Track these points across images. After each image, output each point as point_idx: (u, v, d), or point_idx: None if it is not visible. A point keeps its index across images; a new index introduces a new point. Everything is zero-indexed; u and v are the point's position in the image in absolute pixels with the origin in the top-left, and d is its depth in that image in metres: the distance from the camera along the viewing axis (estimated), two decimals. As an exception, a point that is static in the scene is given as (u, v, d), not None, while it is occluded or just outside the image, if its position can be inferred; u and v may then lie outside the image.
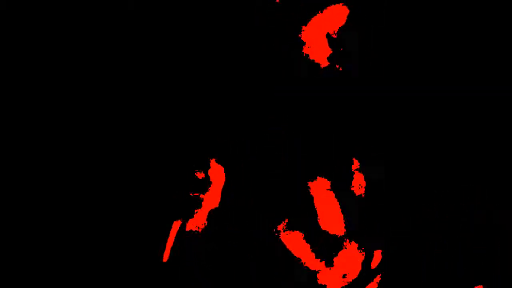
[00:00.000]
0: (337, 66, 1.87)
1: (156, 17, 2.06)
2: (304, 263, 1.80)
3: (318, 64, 1.90)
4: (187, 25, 2.05)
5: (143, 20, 2.06)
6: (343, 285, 1.81)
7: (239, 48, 1.99)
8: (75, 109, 2.06)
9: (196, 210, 1.90)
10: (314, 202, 1.88)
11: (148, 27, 2.06)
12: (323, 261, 1.81)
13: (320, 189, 1.88)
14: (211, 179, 1.92)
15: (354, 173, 1.89)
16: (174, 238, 1.83)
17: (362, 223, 1.86)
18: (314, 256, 1.82)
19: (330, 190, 1.88)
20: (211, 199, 1.90)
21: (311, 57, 1.88)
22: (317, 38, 1.88)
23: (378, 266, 1.83)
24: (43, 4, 2.07)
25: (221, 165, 1.94)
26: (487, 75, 1.98)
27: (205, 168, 1.95)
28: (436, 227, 1.86)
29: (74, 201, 2.02)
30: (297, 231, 1.85)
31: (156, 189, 1.99)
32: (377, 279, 1.82)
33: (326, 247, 1.82)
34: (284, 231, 1.85)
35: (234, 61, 1.99)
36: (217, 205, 1.88)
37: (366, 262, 1.82)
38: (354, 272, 1.82)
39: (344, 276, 1.81)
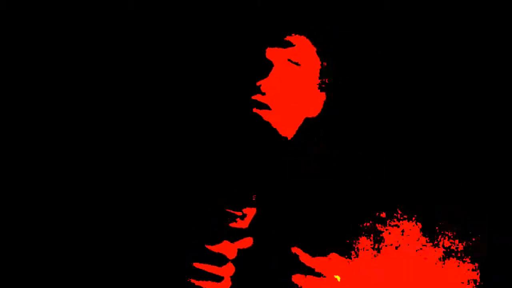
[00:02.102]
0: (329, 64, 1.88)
1: (156, 17, 2.06)
2: (305, 263, 1.81)
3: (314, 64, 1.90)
4: (188, 25, 2.05)
5: (143, 20, 2.07)
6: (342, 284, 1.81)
7: (238, 48, 2.00)
8: (74, 110, 2.06)
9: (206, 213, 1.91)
10: (313, 203, 1.89)
11: (148, 27, 2.06)
12: (323, 262, 1.82)
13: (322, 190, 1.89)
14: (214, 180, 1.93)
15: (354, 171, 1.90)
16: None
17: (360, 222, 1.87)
18: (314, 257, 1.82)
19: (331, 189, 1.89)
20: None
21: (304, 58, 1.88)
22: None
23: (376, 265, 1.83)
24: (43, 4, 2.07)
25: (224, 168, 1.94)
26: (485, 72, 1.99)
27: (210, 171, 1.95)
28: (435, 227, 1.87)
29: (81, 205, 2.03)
30: (297, 232, 1.85)
31: (161, 192, 1.99)
32: (376, 278, 1.83)
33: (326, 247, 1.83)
34: (285, 232, 1.85)
35: (233, 61, 2.00)
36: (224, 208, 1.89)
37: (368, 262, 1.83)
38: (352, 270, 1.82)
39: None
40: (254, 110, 1.87)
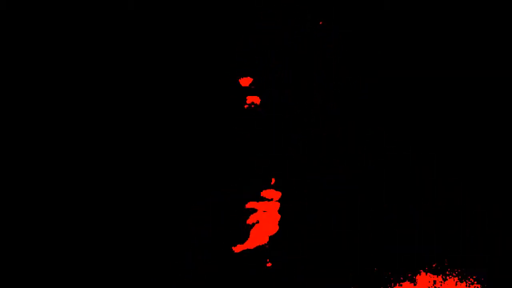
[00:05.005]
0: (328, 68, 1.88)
1: (156, 17, 2.06)
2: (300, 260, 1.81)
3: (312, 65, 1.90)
4: (188, 26, 2.05)
5: (143, 20, 2.07)
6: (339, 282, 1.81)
7: (236, 48, 2.00)
8: (73, 110, 2.06)
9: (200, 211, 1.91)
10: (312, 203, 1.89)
11: (148, 27, 2.07)
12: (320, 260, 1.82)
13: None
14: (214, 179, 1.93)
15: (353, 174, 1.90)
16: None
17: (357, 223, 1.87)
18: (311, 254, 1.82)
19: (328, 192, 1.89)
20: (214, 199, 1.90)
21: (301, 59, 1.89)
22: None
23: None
24: (43, 4, 2.08)
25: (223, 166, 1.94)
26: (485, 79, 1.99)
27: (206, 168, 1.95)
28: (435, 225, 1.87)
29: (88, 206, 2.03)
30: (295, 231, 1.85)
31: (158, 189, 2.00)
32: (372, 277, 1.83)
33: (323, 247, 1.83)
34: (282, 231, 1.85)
35: (232, 61, 2.00)
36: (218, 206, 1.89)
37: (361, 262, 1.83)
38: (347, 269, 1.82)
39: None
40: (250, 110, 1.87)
